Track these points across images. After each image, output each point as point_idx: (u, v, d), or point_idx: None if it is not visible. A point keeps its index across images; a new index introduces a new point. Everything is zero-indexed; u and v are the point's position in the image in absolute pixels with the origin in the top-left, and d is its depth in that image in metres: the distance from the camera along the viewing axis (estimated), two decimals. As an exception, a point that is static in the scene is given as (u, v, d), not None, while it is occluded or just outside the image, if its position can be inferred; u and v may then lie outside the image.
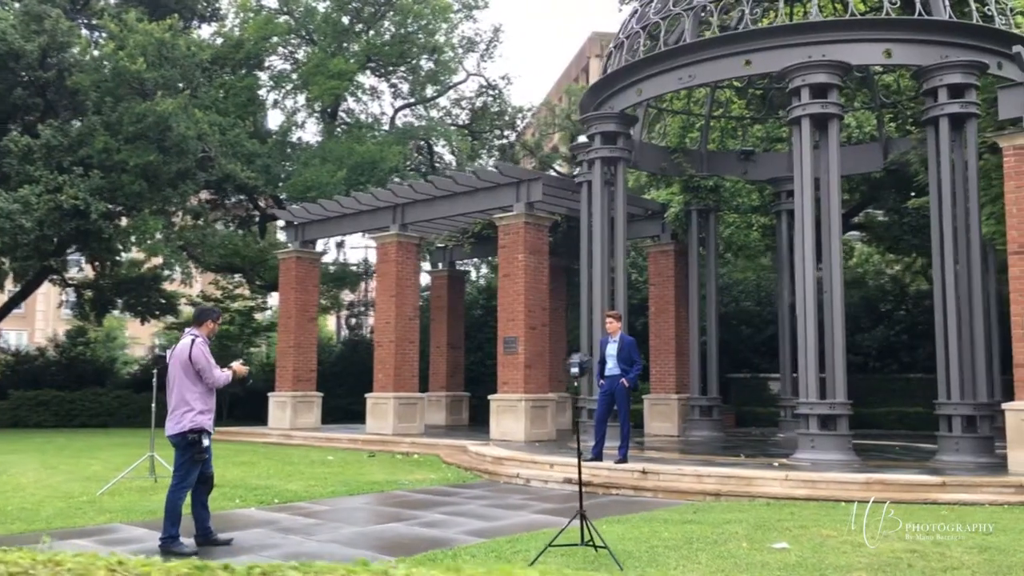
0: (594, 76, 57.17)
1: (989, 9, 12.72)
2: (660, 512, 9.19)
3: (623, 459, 11.30)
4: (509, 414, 15.91)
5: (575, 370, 7.16)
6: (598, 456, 11.59)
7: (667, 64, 13.32)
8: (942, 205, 12.15)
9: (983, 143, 12.67)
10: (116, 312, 33.84)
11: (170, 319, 33.80)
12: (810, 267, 12.15)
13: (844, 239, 24.54)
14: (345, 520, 8.90)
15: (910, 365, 25.38)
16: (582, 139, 27.68)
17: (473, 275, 29.99)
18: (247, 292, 33.99)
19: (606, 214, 14.89)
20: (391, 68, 31.09)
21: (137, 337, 47.70)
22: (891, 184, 20.52)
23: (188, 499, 7.35)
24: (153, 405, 11.14)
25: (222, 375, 7.29)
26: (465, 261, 25.25)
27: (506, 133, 34.68)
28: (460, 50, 32.10)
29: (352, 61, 27.72)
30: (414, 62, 30.38)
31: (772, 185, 18.43)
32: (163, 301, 31.57)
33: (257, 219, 30.60)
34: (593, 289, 14.83)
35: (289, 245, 29.48)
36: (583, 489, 10.90)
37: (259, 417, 25.96)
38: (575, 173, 28.80)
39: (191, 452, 7.11)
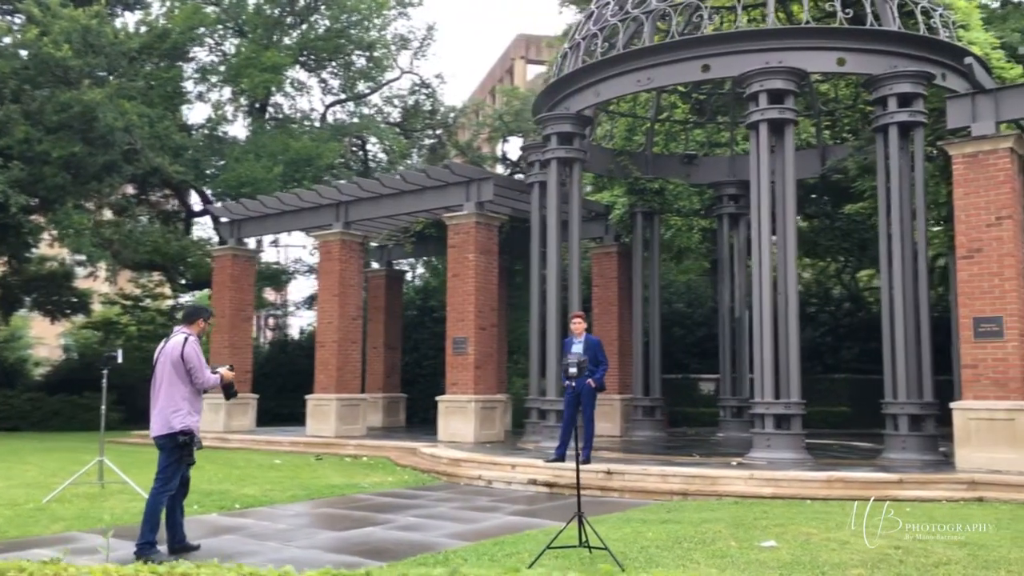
0: (519, 77, 57.70)
1: (934, 22, 13.16)
2: (634, 512, 9.21)
3: (587, 460, 11.28)
4: (458, 415, 15.75)
5: (573, 370, 7.09)
6: (561, 457, 11.55)
7: (626, 66, 13.39)
8: (890, 211, 12.50)
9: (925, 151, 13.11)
10: (23, 311, 32.40)
11: (81, 318, 32.52)
12: (766, 268, 12.35)
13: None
14: (317, 525, 8.66)
15: (834, 366, 26.22)
16: (513, 140, 27.78)
17: (407, 275, 29.69)
18: (167, 291, 32.97)
19: (560, 215, 14.89)
20: (323, 63, 30.57)
21: (42, 337, 45.73)
22: (822, 190, 21.15)
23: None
24: (103, 407, 10.63)
25: (212, 377, 7.00)
26: (400, 260, 24.95)
27: (438, 132, 34.57)
28: (393, 47, 31.80)
29: (286, 54, 27.12)
30: (348, 57, 29.93)
31: (713, 189, 18.74)
32: (75, 300, 30.36)
33: (183, 215, 29.66)
34: (548, 290, 14.80)
35: (214, 240, 28.81)
36: (550, 490, 10.91)
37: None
38: (509, 173, 28.85)
39: (178, 455, 6.81)
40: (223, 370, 7.16)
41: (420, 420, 24.46)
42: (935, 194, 13.98)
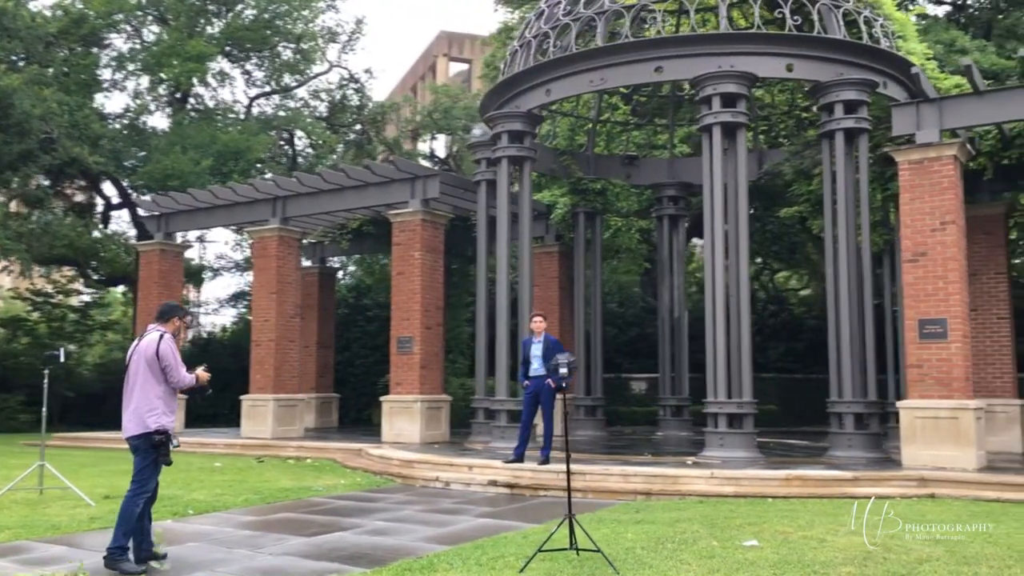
0: (442, 74, 57.52)
1: (875, 32, 13.53)
2: (604, 512, 9.17)
3: (546, 460, 11.21)
4: (404, 415, 15.50)
5: (564, 370, 6.97)
6: (520, 458, 11.45)
7: (579, 66, 13.36)
8: (836, 215, 12.79)
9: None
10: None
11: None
12: (719, 270, 12.48)
13: (689, 247, 25.74)
14: (282, 530, 8.35)
15: (762, 366, 26.76)
16: (440, 137, 27.60)
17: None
18: (81, 286, 31.66)
19: (510, 213, 14.80)
20: (248, 54, 29.76)
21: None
22: (754, 194, 21.58)
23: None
24: (44, 410, 10.05)
25: (188, 376, 6.67)
26: (331, 258, 24.43)
27: (365, 127, 34.23)
28: (321, 40, 31.19)
29: (211, 44, 26.27)
30: (275, 49, 29.21)
31: (653, 190, 18.90)
32: (-27, 295, 28.94)
33: (100, 208, 28.49)
34: (498, 290, 14.66)
35: (130, 235, 27.82)
36: (511, 491, 10.80)
37: (92, 423, 24.20)
38: (437, 169, 28.56)
39: (154, 455, 6.49)
40: (199, 370, 6.85)
41: (352, 420, 24.07)
42: (871, 199, 14.39)
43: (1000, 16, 23.08)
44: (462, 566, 6.59)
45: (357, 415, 24.34)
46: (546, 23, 14.22)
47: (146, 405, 6.50)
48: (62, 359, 9.67)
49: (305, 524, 8.72)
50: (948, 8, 24.79)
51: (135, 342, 6.75)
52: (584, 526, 8.26)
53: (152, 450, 6.46)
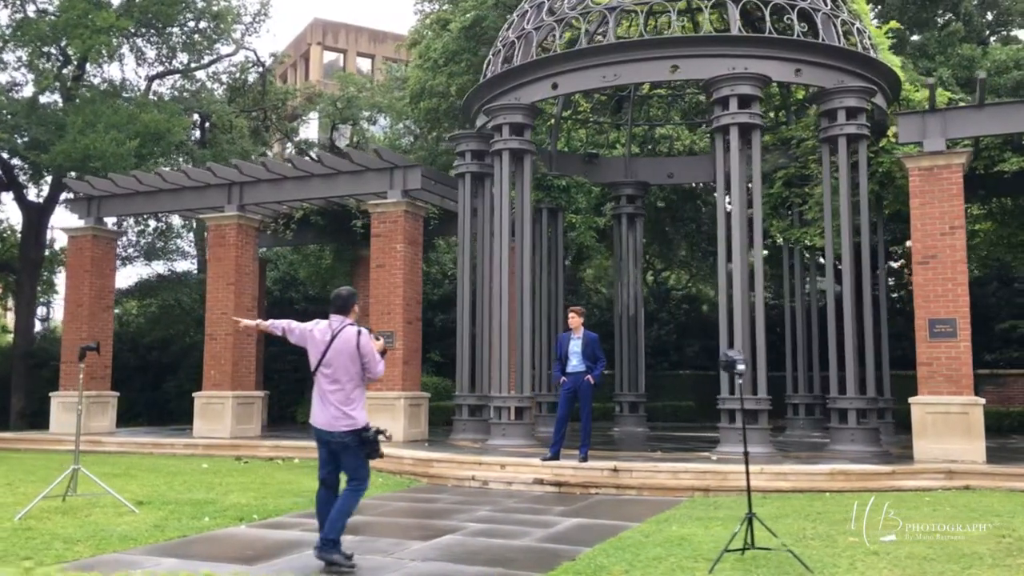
0: (315, 63, 56.11)
1: (865, 42, 14.10)
2: (681, 510, 9.09)
3: (585, 458, 11.05)
4: (385, 413, 14.87)
5: (742, 367, 6.80)
6: (556, 455, 11.22)
7: (590, 61, 13.24)
8: (840, 217, 13.23)
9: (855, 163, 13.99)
10: None
11: None
12: (736, 269, 12.63)
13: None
14: (381, 534, 7.82)
15: (679, 363, 27.54)
16: (355, 124, 26.89)
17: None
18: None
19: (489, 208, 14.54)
20: (151, 30, 27.89)
21: None
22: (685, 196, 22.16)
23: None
24: (79, 407, 8.99)
25: (383, 366, 6.45)
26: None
27: (268, 113, 32.98)
28: (230, 18, 29.62)
29: (121, 17, 24.40)
30: (186, 27, 27.49)
31: (612, 189, 19.01)
32: None
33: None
34: (492, 286, 14.33)
35: (23, 218, 25.67)
36: (559, 490, 10.58)
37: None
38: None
39: (366, 449, 6.34)
40: (376, 344, 6.50)
41: (278, 418, 23.00)
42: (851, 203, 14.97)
43: (908, 33, 24.51)
44: (632, 570, 6.36)
45: (282, 412, 23.31)
46: (548, 15, 14.03)
47: (348, 401, 6.36)
48: (99, 352, 8.70)
49: (395, 528, 8.22)
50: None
51: (326, 336, 6.36)
52: (681, 524, 8.22)
53: (364, 445, 6.32)
